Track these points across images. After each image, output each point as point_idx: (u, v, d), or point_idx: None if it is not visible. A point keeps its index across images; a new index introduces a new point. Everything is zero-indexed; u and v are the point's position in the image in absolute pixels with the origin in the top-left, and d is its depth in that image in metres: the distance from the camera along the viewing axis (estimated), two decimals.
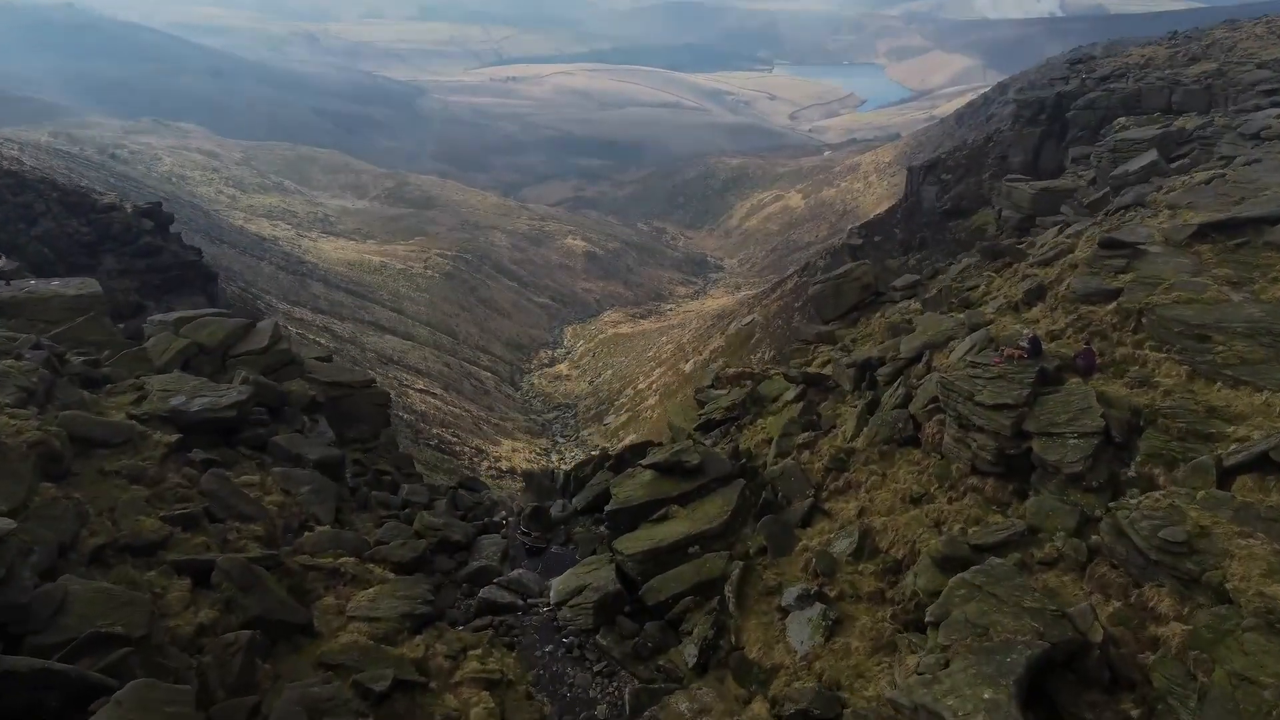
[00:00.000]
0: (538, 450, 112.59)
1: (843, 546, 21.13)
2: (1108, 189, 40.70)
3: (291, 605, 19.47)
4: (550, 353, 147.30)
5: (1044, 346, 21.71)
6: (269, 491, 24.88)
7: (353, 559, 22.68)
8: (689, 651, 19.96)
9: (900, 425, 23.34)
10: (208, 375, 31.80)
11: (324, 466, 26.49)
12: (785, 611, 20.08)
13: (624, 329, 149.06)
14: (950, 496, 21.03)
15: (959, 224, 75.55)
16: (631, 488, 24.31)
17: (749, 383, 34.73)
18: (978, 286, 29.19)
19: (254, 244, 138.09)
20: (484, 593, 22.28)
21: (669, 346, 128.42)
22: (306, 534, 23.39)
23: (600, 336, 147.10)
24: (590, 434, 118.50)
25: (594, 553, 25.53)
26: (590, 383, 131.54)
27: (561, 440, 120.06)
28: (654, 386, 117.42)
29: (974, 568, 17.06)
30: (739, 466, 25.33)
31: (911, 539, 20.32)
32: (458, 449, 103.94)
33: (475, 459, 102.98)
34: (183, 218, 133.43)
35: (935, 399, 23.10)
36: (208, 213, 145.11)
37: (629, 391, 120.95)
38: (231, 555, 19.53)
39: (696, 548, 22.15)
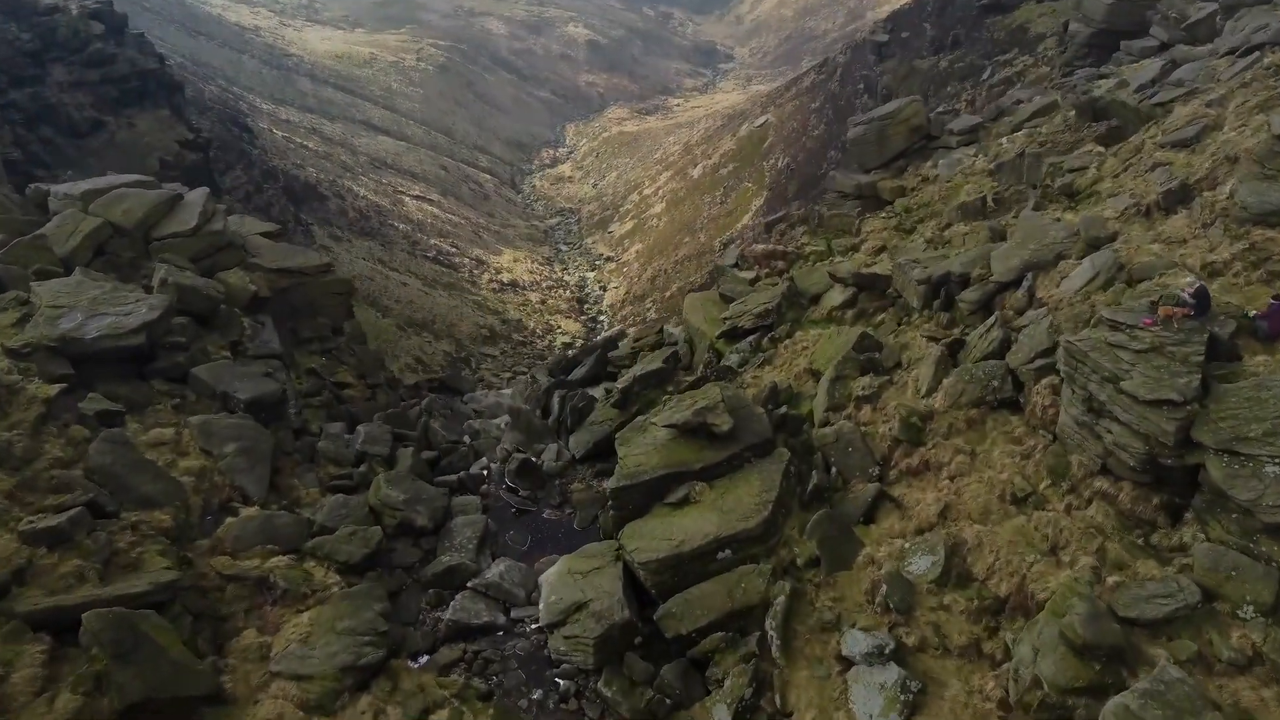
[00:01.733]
0: (540, 260, 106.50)
1: (922, 566, 15.62)
2: (1215, 5, 32.80)
3: (191, 669, 14.17)
4: (552, 152, 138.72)
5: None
6: (185, 452, 19.23)
7: (286, 559, 17.29)
8: (719, 715, 14.84)
9: (995, 383, 17.38)
10: (125, 263, 25.64)
11: (260, 407, 20.72)
12: (847, 663, 14.83)
13: (629, 127, 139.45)
14: (1069, 503, 15.34)
15: (997, 21, 66.42)
16: (643, 453, 18.55)
17: (781, 263, 28.42)
18: (1085, 169, 22.40)
19: (234, 35, 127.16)
20: (455, 606, 16.96)
21: (676, 148, 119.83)
22: (229, 520, 17.90)
23: (604, 135, 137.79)
24: (594, 242, 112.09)
25: (595, 521, 20.16)
26: (594, 186, 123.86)
27: (564, 248, 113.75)
28: (660, 193, 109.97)
29: (1138, 690, 11.59)
30: (778, 418, 19.55)
31: (1019, 569, 14.79)
32: (456, 260, 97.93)
33: (475, 271, 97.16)
34: (155, 6, 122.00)
35: (1046, 351, 17.05)
36: (183, 0, 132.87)
37: (634, 197, 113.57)
38: (103, 611, 14.02)
39: (728, 552, 16.65)
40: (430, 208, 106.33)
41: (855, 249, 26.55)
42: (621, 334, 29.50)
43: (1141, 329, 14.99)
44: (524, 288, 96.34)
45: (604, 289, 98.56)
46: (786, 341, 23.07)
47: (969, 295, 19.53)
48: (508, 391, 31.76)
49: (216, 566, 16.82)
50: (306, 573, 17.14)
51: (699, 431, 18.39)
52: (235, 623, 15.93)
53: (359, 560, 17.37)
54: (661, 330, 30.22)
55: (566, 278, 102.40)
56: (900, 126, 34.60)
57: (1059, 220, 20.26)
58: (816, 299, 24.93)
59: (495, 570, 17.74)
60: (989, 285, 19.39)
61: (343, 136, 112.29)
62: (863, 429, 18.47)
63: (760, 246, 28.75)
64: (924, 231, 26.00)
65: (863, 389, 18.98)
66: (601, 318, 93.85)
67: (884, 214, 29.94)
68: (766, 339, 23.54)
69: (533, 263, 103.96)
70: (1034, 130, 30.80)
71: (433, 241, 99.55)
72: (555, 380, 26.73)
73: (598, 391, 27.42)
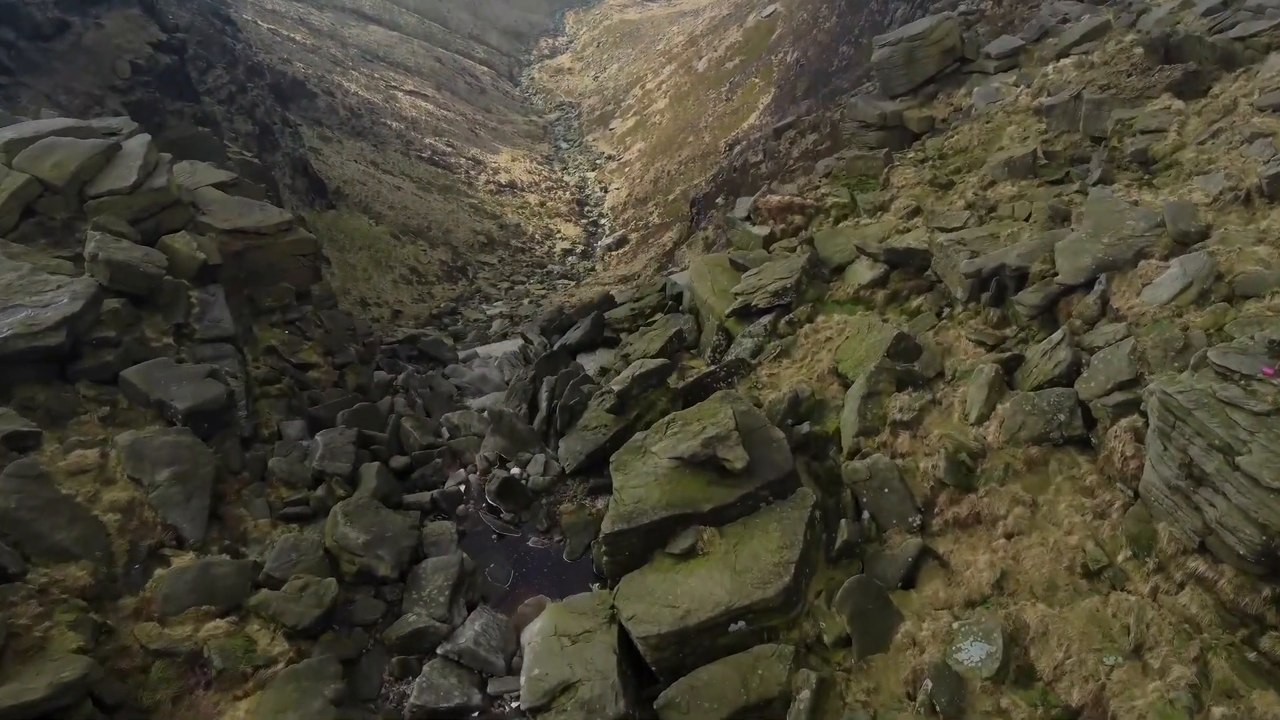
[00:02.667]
0: (539, 159, 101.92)
1: (975, 656, 12.87)
2: None
3: None
4: (551, 42, 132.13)
5: None
6: (111, 480, 16.32)
7: (225, 623, 14.58)
8: None
9: (1061, 418, 14.34)
10: (58, 226, 22.34)
11: (201, 417, 17.73)
12: None
13: (631, 15, 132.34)
14: (1156, 585, 12.48)
15: None
16: (642, 485, 15.64)
17: (798, 218, 24.97)
18: (1165, 132, 18.78)
19: None
20: (422, 685, 14.21)
21: (680, 39, 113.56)
22: (159, 572, 15.14)
23: (605, 23, 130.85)
24: (595, 140, 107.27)
25: (587, 551, 17.37)
26: (595, 79, 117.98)
27: (564, 145, 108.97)
28: (663, 87, 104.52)
29: None
30: (799, 438, 16.57)
31: (1096, 673, 12.03)
32: (452, 161, 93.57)
33: (472, 172, 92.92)
34: None
35: (1127, 384, 13.97)
36: None
37: (636, 91, 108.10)
38: None
39: (742, 624, 13.91)
40: (425, 104, 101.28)
41: (884, 208, 23.05)
42: (612, 301, 26.23)
43: (1261, 380, 11.87)
44: (522, 189, 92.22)
45: (605, 190, 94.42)
46: (807, 327, 19.87)
47: (1028, 298, 16.25)
48: (496, 355, 28.65)
49: (141, 637, 14.11)
50: (248, 641, 14.43)
51: (708, 465, 15.45)
52: (160, 717, 13.30)
53: (311, 623, 14.62)
54: (664, 289, 26.98)
55: (566, 178, 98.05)
56: (931, 49, 30.66)
57: (1136, 204, 16.83)
58: (841, 270, 21.63)
59: (470, 630, 14.98)
60: (1052, 287, 16.10)
61: (332, 27, 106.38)
62: (900, 461, 15.47)
63: (775, 198, 25.24)
64: (963, 189, 22.49)
65: (900, 410, 15.89)
66: (602, 221, 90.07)
67: (914, 157, 26.32)
68: (784, 321, 20.34)
69: (531, 162, 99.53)
70: (1084, 58, 26.93)
71: (427, 141, 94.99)
72: (546, 354, 23.65)
73: (592, 363, 24.41)
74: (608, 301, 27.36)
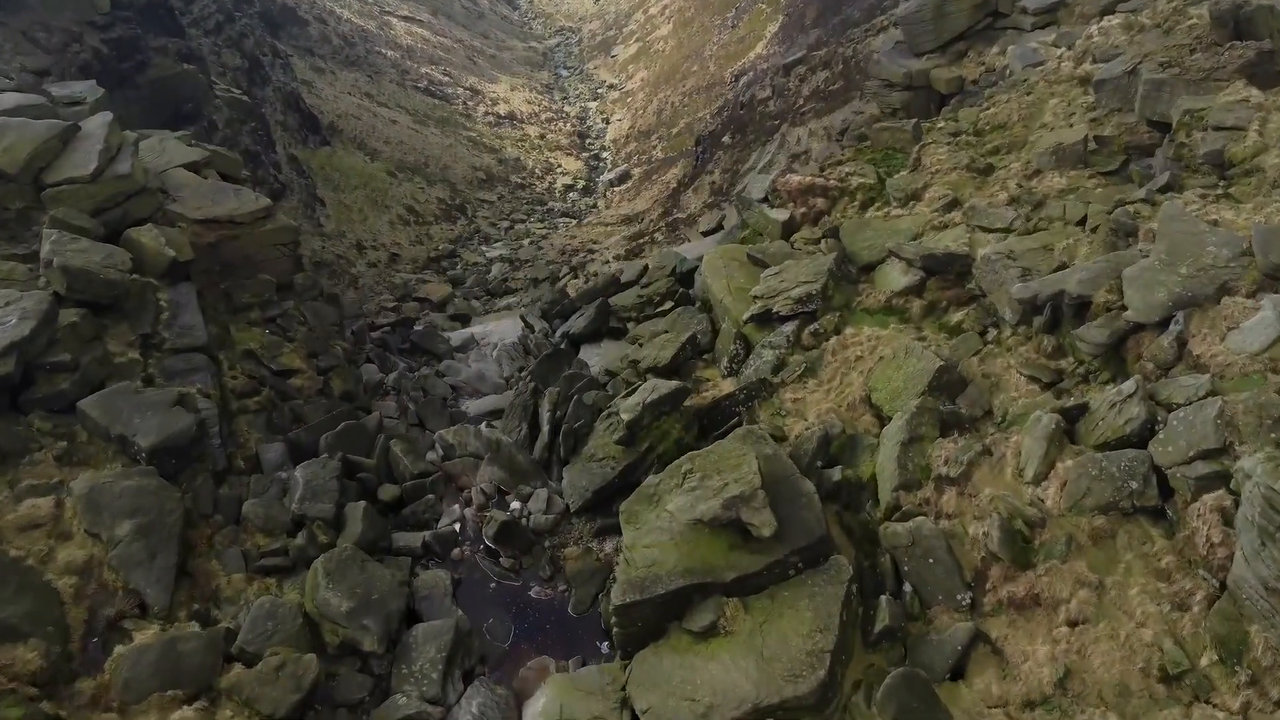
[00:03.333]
0: (538, 88, 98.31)
1: None
2: None
3: None
4: None
5: None
6: (66, 535, 14.55)
7: (194, 710, 12.97)
8: None
9: (1134, 485, 12.50)
10: (13, 218, 20.29)
11: (167, 454, 15.86)
12: None
13: None
14: (1248, 701, 10.77)
15: None
16: (656, 544, 13.87)
17: (820, 201, 22.73)
18: (1243, 130, 16.47)
19: None
20: None
21: None
22: (119, 650, 13.45)
23: None
24: (596, 67, 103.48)
25: (595, 603, 15.68)
26: (595, 1, 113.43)
27: (565, 73, 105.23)
28: (666, 12, 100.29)
29: None
30: (830, 485, 14.75)
31: None
32: (449, 91, 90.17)
33: (470, 103, 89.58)
34: None
35: (1212, 453, 12.08)
36: None
37: (638, 16, 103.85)
38: None
39: None
40: (420, 30, 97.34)
41: (916, 197, 20.82)
42: (618, 283, 24.20)
43: None
44: (522, 120, 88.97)
45: (607, 122, 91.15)
46: (834, 340, 17.88)
47: (1092, 334, 14.22)
48: (493, 340, 26.62)
49: None
50: None
51: (730, 526, 13.65)
52: None
53: (289, 710, 12.97)
54: (674, 272, 24.91)
55: (567, 108, 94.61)
56: (963, 2, 28.04)
57: (1216, 224, 14.69)
58: (870, 269, 19.56)
59: (467, 715, 13.36)
60: (1120, 323, 14.08)
61: None
62: (946, 523, 13.67)
63: (795, 178, 22.94)
64: (1005, 177, 20.26)
65: (946, 463, 14.01)
66: (604, 155, 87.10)
67: (945, 128, 23.97)
68: (808, 331, 18.34)
69: (531, 91, 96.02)
70: (1132, 17, 24.42)
71: (424, 70, 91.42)
72: (547, 353, 21.71)
73: (597, 359, 22.50)
74: (613, 284, 25.28)
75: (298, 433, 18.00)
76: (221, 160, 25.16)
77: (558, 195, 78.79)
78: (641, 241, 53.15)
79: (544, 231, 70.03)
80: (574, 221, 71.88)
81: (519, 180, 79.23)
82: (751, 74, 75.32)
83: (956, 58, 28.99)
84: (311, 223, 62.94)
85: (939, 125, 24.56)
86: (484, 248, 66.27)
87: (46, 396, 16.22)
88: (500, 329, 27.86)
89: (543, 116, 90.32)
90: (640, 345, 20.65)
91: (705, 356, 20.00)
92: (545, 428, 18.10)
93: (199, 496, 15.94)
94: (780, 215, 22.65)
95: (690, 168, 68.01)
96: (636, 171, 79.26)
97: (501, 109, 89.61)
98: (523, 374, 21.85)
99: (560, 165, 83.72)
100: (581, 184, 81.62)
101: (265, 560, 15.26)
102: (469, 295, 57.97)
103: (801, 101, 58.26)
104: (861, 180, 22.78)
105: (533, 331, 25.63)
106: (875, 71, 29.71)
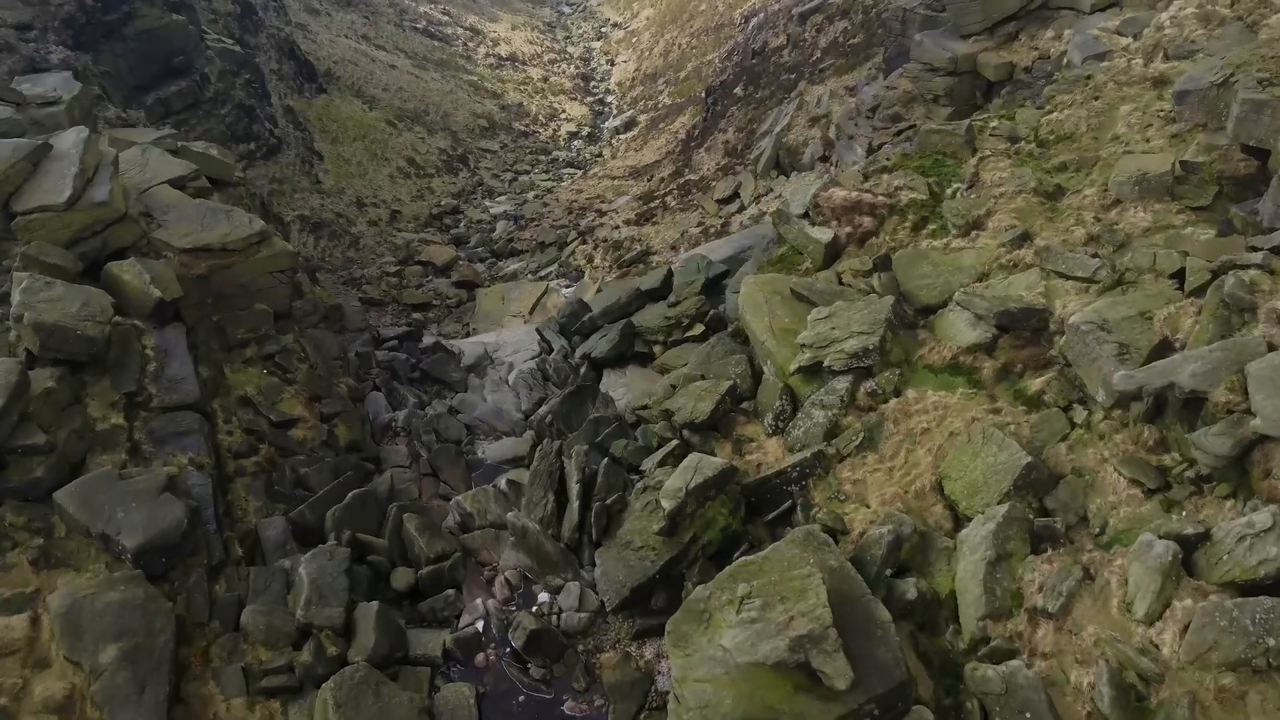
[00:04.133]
0: (540, 27, 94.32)
1: None
2: None
3: None
4: None
5: None
6: (43, 665, 12.74)
7: None
8: None
9: (1271, 643, 10.68)
10: None
11: (155, 554, 13.97)
12: None
13: None
14: None
15: None
16: (709, 680, 12.07)
17: (868, 220, 20.47)
18: None
19: None
20: None
21: None
22: None
23: None
24: (600, 4, 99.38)
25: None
26: None
27: (567, 10, 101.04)
28: None
29: None
30: (902, 602, 12.93)
31: None
32: (448, 32, 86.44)
33: (470, 44, 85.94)
34: None
35: None
36: None
37: None
38: None
39: None
40: None
41: (978, 225, 18.56)
42: (642, 297, 22.13)
43: None
44: (524, 62, 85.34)
45: (611, 64, 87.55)
46: (894, 403, 15.88)
47: (1211, 443, 12.19)
48: (508, 358, 24.49)
49: None
50: None
51: (799, 669, 11.84)
52: None
53: None
54: (702, 291, 22.80)
55: (570, 49, 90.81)
56: None
57: None
58: (930, 311, 17.47)
59: None
60: (1245, 430, 12.08)
61: None
62: (1042, 664, 11.85)
63: (839, 194, 20.63)
64: (1078, 205, 17.97)
65: (1040, 592, 12.14)
66: (609, 99, 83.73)
67: (999, 128, 21.61)
68: (865, 390, 16.33)
69: (532, 30, 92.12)
70: (1208, 5, 21.96)
71: (422, 9, 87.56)
72: (569, 389, 19.72)
73: (623, 391, 20.55)
74: (637, 298, 23.13)
75: (301, 510, 16.09)
76: (212, 163, 22.81)
77: (562, 143, 75.79)
78: (653, 205, 50.63)
79: (549, 183, 67.36)
80: (579, 173, 69.16)
81: (522, 128, 76.15)
82: (762, 15, 71.59)
83: (1006, 40, 26.43)
84: (309, 178, 60.23)
85: (992, 126, 22.17)
86: (487, 202, 63.69)
87: (20, 485, 14.27)
88: (514, 340, 25.73)
89: (545, 58, 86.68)
90: (673, 390, 18.64)
91: (745, 404, 18.01)
92: (575, 502, 16.15)
93: (192, 600, 14.10)
94: (823, 235, 20.43)
95: (700, 119, 65.02)
96: (643, 118, 76.13)
97: (503, 50, 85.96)
98: (544, 417, 19.83)
99: (564, 111, 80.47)
100: (586, 131, 78.50)
101: (268, 680, 13.47)
102: (473, 257, 55.63)
103: (818, 54, 55.17)
104: (912, 196, 20.50)
105: (550, 350, 23.57)
106: (917, 54, 27.12)
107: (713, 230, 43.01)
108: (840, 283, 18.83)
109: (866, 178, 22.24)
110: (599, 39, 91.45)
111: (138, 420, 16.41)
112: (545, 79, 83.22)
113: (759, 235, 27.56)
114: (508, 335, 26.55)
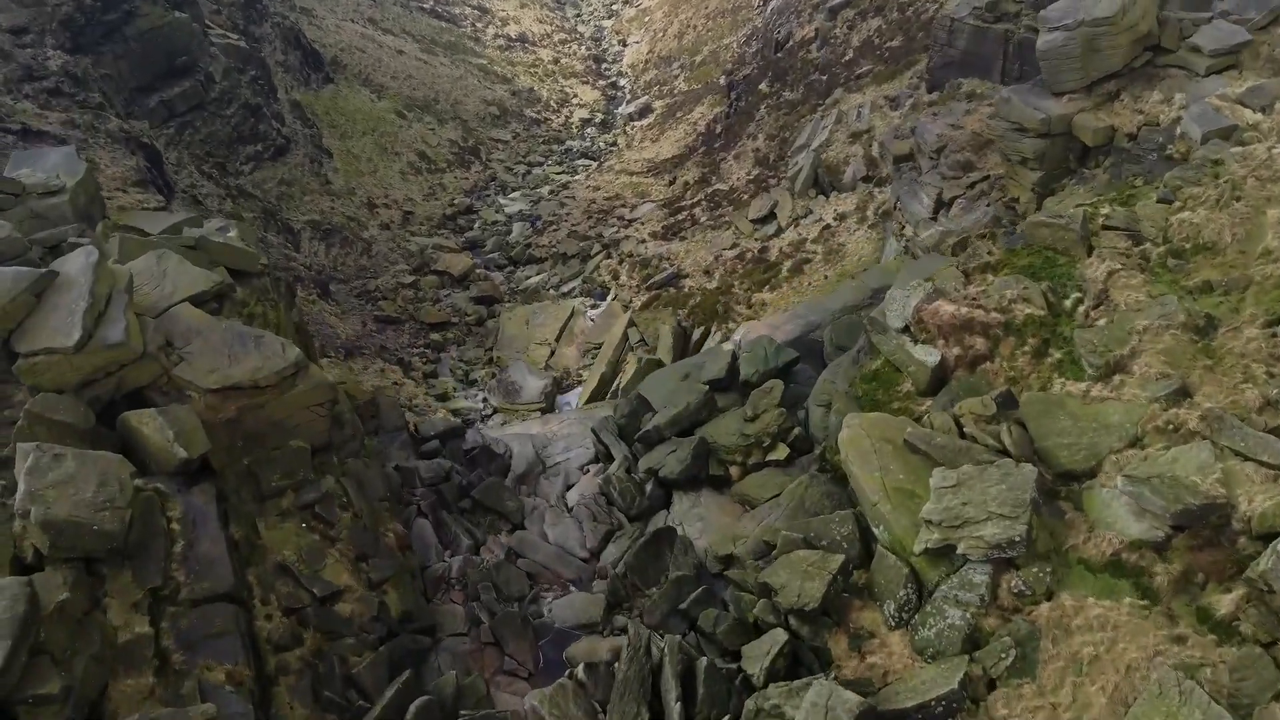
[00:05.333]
0: (549, 4, 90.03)
1: None
2: None
3: None
4: None
5: None
6: None
7: None
8: None
9: None
10: None
11: None
12: None
13: None
14: None
15: None
16: None
17: (980, 342, 17.76)
18: None
19: None
20: None
21: None
22: None
23: None
24: None
25: None
26: None
27: None
28: None
29: None
30: None
31: None
32: (456, 12, 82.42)
33: (478, 24, 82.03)
34: None
35: None
36: None
37: None
38: None
39: None
40: None
41: (1120, 368, 15.85)
42: (712, 405, 19.59)
43: None
44: (533, 43, 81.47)
45: (624, 44, 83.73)
46: (1048, 610, 13.40)
47: None
48: (560, 449, 21.78)
49: None
50: None
51: None
52: None
53: None
54: (776, 392, 20.15)
55: (580, 27, 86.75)
56: (1121, 36, 22.49)
57: None
58: (1072, 478, 14.90)
59: None
60: None
61: None
62: None
63: (946, 309, 17.84)
64: (1240, 349, 15.26)
65: None
66: (622, 82, 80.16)
67: (1120, 224, 18.83)
68: (1010, 588, 13.83)
69: (541, 8, 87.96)
70: None
71: None
72: (640, 541, 17.18)
73: (699, 527, 18.03)
74: (705, 404, 20.45)
75: (358, 679, 13.63)
76: (234, 254, 19.94)
77: (575, 131, 72.42)
78: (680, 217, 47.63)
79: (563, 176, 64.19)
80: (594, 164, 65.97)
81: (534, 115, 72.70)
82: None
83: (1105, 100, 23.48)
84: (319, 179, 57.01)
85: (1105, 214, 19.40)
86: (501, 199, 60.57)
87: None
88: (565, 433, 23.00)
89: (555, 38, 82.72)
90: (768, 550, 16.09)
91: (855, 573, 15.49)
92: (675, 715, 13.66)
93: None
94: (929, 357, 17.76)
95: (723, 113, 61.69)
96: (658, 105, 72.66)
97: (512, 30, 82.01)
98: (616, 567, 17.29)
99: (576, 95, 76.92)
100: (599, 116, 75.06)
101: None
102: (490, 265, 52.69)
103: (851, 53, 51.81)
104: (1029, 312, 17.77)
105: (609, 455, 20.95)
106: (1004, 112, 24.14)
107: (749, 255, 40.20)
108: (961, 433, 16.17)
109: (968, 278, 19.47)
110: (610, 17, 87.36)
111: (165, 620, 13.84)
112: (556, 60, 79.46)
113: (826, 310, 24.85)
114: (556, 427, 23.78)
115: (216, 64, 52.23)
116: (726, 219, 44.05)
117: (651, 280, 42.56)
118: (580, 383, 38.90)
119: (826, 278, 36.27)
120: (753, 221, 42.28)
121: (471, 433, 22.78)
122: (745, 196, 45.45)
